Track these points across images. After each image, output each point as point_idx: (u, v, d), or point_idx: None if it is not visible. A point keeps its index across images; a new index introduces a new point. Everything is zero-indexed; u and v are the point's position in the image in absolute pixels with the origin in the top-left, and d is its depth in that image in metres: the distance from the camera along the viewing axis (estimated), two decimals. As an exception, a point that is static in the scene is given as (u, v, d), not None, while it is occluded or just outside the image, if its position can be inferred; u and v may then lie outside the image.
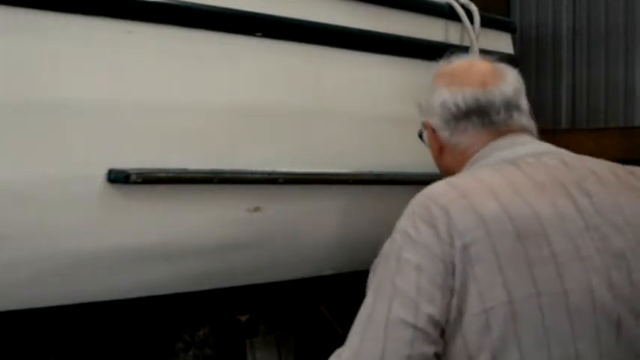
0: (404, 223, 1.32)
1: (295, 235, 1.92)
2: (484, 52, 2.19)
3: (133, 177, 1.54)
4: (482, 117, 1.45)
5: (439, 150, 1.55)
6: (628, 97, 3.23)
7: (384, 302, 1.24)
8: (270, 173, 1.77)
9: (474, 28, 2.19)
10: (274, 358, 2.95)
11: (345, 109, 1.94)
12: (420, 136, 1.64)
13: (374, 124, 2.00)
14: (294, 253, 1.96)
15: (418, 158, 2.13)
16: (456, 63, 1.55)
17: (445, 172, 1.56)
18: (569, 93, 3.26)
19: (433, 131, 1.52)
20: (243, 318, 2.67)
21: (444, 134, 1.50)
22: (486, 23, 2.26)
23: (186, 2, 1.63)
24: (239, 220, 1.77)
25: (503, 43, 2.41)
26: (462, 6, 2.20)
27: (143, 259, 1.67)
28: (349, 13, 1.94)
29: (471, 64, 1.54)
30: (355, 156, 1.97)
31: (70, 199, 1.51)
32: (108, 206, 1.56)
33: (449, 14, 2.18)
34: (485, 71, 1.49)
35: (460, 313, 1.20)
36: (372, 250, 2.17)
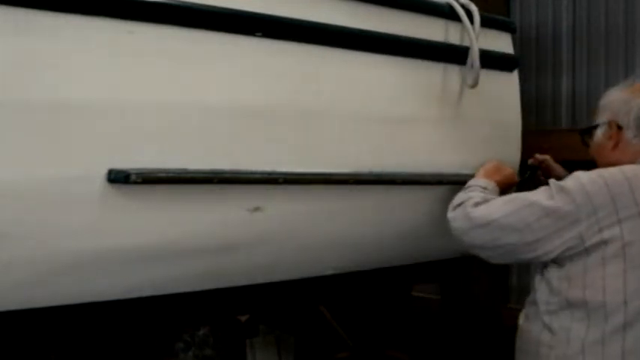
0: None
1: (295, 235, 1.92)
2: (484, 52, 2.20)
3: (133, 177, 1.54)
4: None
5: (614, 146, 1.91)
6: (628, 97, 3.22)
7: None
8: (270, 173, 1.77)
9: (474, 28, 2.18)
10: (274, 358, 2.95)
11: (345, 109, 1.94)
12: (588, 130, 2.03)
13: (374, 124, 2.00)
14: (294, 253, 1.96)
15: (418, 158, 2.13)
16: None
17: (608, 163, 1.88)
18: (569, 93, 3.26)
19: (619, 129, 1.90)
20: (243, 318, 2.68)
21: (629, 134, 1.89)
22: (486, 23, 2.25)
23: (186, 2, 1.63)
24: (239, 220, 1.77)
25: (503, 43, 2.41)
26: (462, 6, 2.19)
27: (143, 259, 1.67)
28: (349, 13, 1.94)
29: None
30: (355, 156, 1.96)
31: (70, 199, 1.51)
32: (108, 206, 1.56)
33: (449, 14, 2.18)
34: None
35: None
36: (372, 250, 2.18)
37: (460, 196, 1.97)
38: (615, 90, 1.97)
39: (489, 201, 1.89)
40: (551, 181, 1.85)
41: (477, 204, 1.88)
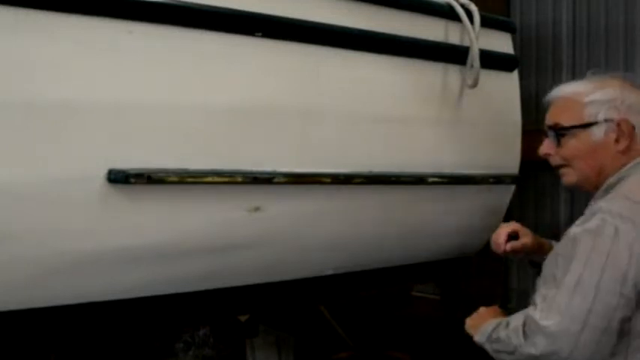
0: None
1: (295, 235, 1.92)
2: (484, 52, 2.20)
3: (133, 177, 1.54)
4: None
5: (626, 147, 1.70)
6: (628, 97, 3.22)
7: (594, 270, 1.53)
8: (270, 173, 1.77)
9: (474, 28, 2.18)
10: (274, 358, 2.95)
11: (345, 109, 1.94)
12: (562, 132, 1.76)
13: (374, 124, 2.00)
14: (294, 253, 1.96)
15: (418, 158, 2.13)
16: (616, 77, 1.78)
17: (605, 166, 1.72)
18: (569, 93, 3.25)
19: (633, 127, 1.69)
20: (243, 318, 2.68)
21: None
22: (486, 23, 2.25)
23: (186, 2, 1.63)
24: (239, 220, 1.77)
25: (503, 43, 2.41)
26: (462, 6, 2.19)
27: (143, 259, 1.67)
28: (349, 13, 1.94)
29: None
30: (355, 156, 1.96)
31: (70, 199, 1.51)
32: (108, 206, 1.56)
33: (449, 14, 2.18)
34: None
35: None
36: (372, 250, 2.18)
37: (503, 338, 1.64)
38: (592, 85, 1.75)
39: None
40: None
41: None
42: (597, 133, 1.71)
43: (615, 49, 3.10)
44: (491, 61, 2.27)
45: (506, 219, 2.54)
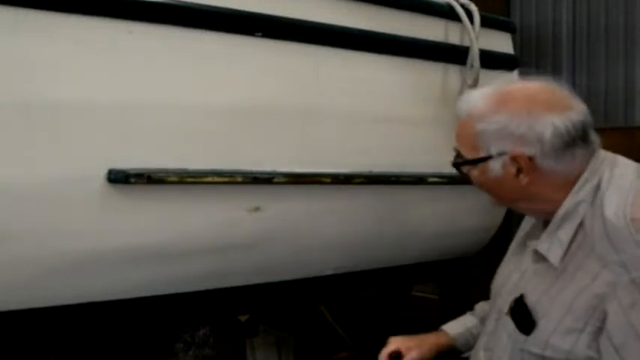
0: None
1: (295, 235, 1.92)
2: (484, 52, 2.20)
3: (133, 177, 1.54)
4: (585, 139, 1.45)
5: (530, 181, 1.45)
6: (628, 97, 3.22)
7: None
8: (270, 173, 1.77)
9: (474, 28, 2.18)
10: (274, 358, 2.95)
11: (345, 109, 1.94)
12: (459, 165, 1.55)
13: (374, 124, 2.00)
14: (294, 253, 1.96)
15: (418, 158, 2.13)
16: (527, 87, 1.51)
17: (516, 200, 1.52)
18: (569, 93, 3.26)
19: (529, 160, 1.43)
20: (243, 318, 2.67)
21: (547, 163, 1.43)
22: (486, 23, 2.25)
23: (186, 2, 1.62)
24: (239, 220, 1.77)
25: (503, 43, 2.41)
26: (462, 6, 2.19)
27: (143, 259, 1.67)
28: (349, 13, 1.94)
29: (543, 87, 1.50)
30: (355, 156, 1.96)
31: (70, 199, 1.51)
32: (108, 206, 1.56)
33: (449, 14, 2.18)
34: (562, 92, 1.48)
35: None
36: (372, 250, 2.18)
37: None
38: (492, 103, 1.47)
39: None
40: None
41: None
42: (494, 167, 1.47)
43: (615, 49, 3.11)
44: (491, 60, 2.27)
45: (506, 219, 2.54)
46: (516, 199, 1.52)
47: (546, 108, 1.43)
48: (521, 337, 1.46)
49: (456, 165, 1.55)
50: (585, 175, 1.45)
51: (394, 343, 1.73)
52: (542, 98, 1.46)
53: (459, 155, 1.54)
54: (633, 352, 1.31)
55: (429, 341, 1.75)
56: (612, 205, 1.38)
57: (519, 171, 1.45)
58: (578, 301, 1.38)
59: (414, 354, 1.70)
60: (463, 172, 1.55)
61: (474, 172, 1.52)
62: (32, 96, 1.43)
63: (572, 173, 1.45)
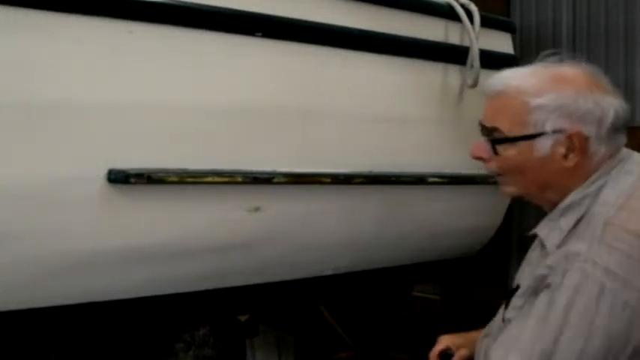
0: None
1: (295, 235, 1.92)
2: (484, 52, 2.20)
3: (133, 177, 1.54)
4: (623, 131, 1.43)
5: (577, 163, 1.40)
6: (628, 97, 3.20)
7: None
8: (270, 173, 1.77)
9: (474, 28, 2.19)
10: (274, 358, 2.95)
11: (345, 109, 1.94)
12: (497, 141, 1.45)
13: (374, 124, 2.00)
14: (294, 253, 1.96)
15: (418, 158, 2.13)
16: (574, 69, 1.44)
17: (545, 186, 1.45)
18: (569, 93, 3.25)
19: (585, 140, 1.38)
20: (243, 318, 2.68)
21: (598, 146, 1.39)
22: (486, 23, 2.26)
23: (186, 2, 1.63)
24: (239, 220, 1.77)
25: (503, 43, 2.41)
26: (462, 6, 2.20)
27: (143, 259, 1.67)
28: (349, 13, 1.94)
29: (587, 70, 1.44)
30: (355, 156, 1.96)
31: (70, 199, 1.51)
32: (108, 206, 1.56)
33: (449, 14, 2.18)
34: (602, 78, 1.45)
35: None
36: (372, 250, 2.18)
37: None
38: (543, 80, 1.40)
39: None
40: None
41: None
42: (543, 145, 1.39)
43: (615, 49, 3.11)
44: (492, 61, 2.27)
45: (506, 219, 2.54)
46: (549, 184, 1.43)
47: (604, 91, 1.40)
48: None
49: (494, 141, 1.44)
50: (602, 170, 1.41)
51: (444, 342, 1.71)
52: (596, 81, 1.41)
53: (490, 133, 1.44)
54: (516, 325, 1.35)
55: (478, 338, 1.67)
56: (602, 203, 1.37)
57: (568, 151, 1.39)
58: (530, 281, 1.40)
59: (463, 352, 1.67)
60: (495, 152, 1.45)
61: (511, 152, 1.42)
62: (32, 96, 1.43)
63: (600, 164, 1.41)
